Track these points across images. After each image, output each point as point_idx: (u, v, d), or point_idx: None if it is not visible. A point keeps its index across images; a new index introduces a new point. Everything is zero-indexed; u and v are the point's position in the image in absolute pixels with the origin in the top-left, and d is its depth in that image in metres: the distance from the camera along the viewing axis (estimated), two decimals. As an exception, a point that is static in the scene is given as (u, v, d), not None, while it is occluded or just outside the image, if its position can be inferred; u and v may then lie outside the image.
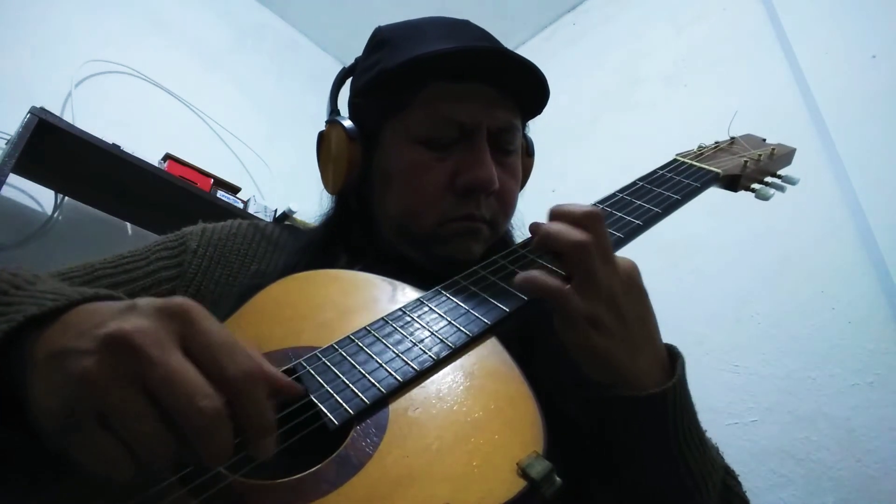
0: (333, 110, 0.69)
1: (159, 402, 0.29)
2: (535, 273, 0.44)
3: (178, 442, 0.29)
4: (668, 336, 0.56)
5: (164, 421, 0.29)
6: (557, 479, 0.32)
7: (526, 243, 0.54)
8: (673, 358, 0.48)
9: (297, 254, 0.67)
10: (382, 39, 0.67)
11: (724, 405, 1.26)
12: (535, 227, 0.47)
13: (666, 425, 0.45)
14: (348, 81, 0.72)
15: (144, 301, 0.32)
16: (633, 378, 0.44)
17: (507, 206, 0.65)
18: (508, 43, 0.68)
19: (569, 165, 1.89)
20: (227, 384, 0.31)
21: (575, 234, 0.43)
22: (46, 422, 0.30)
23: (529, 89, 0.64)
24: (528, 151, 0.73)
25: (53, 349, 0.32)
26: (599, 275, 0.43)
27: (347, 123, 0.65)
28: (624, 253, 0.55)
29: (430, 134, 0.61)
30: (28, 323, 0.34)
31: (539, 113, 0.69)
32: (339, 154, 0.65)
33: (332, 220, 0.71)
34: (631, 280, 0.46)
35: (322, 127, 0.71)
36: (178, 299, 0.32)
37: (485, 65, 0.61)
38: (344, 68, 0.72)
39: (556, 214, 0.47)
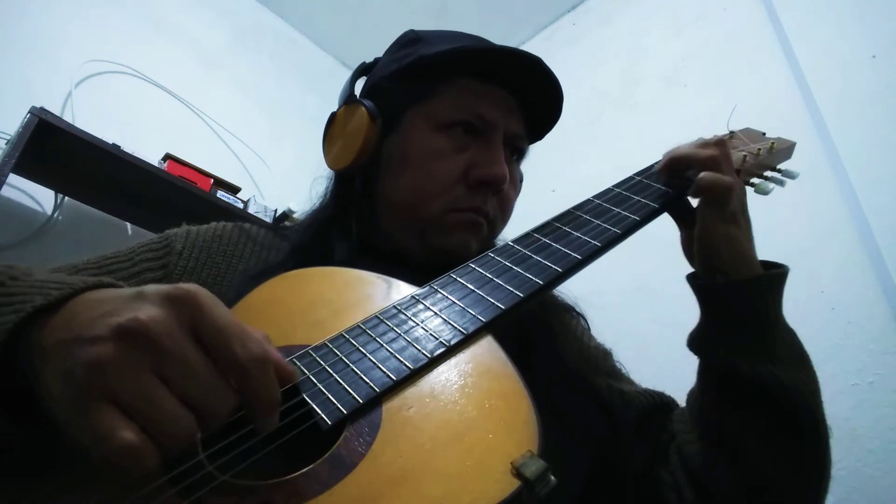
0: (350, 95, 0.70)
1: (176, 389, 0.30)
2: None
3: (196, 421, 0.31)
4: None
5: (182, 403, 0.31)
6: (552, 478, 0.32)
7: (520, 239, 0.54)
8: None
9: (301, 233, 0.68)
10: (416, 38, 0.70)
11: (723, 406, 1.25)
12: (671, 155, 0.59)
13: (780, 298, 0.57)
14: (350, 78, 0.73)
15: (152, 288, 0.32)
16: (754, 262, 0.57)
17: (505, 211, 0.68)
18: (508, 43, 0.68)
19: (569, 165, 1.88)
20: (238, 367, 0.32)
21: (708, 151, 0.56)
22: (59, 409, 0.30)
23: (545, 105, 0.69)
24: (519, 177, 0.74)
25: (64, 337, 0.32)
26: (735, 184, 0.54)
27: (369, 104, 0.66)
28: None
29: (453, 122, 0.64)
30: (34, 313, 0.34)
31: (540, 138, 0.74)
32: (356, 131, 0.66)
33: (334, 200, 0.71)
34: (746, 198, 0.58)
35: (321, 127, 0.72)
36: (186, 285, 0.33)
37: (517, 70, 0.65)
38: (364, 62, 0.74)
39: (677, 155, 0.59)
